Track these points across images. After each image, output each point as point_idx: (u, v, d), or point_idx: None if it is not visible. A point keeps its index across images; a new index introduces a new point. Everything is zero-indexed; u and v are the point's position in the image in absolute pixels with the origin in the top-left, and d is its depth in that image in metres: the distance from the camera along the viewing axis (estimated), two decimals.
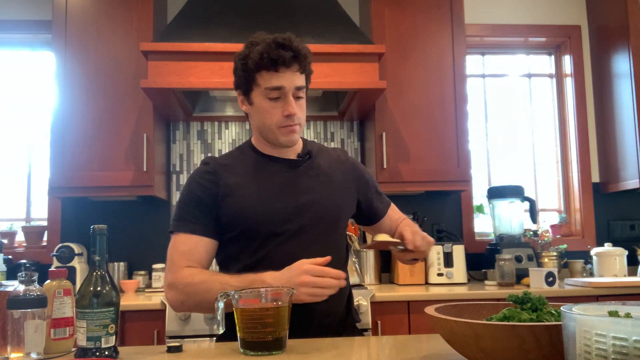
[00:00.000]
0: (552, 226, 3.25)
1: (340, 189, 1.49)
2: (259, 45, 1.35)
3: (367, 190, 1.57)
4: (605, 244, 2.93)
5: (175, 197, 3.06)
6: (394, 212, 1.63)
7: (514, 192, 2.98)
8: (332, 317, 1.44)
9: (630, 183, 3.01)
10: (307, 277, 1.19)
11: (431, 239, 1.43)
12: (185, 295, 1.32)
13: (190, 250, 1.37)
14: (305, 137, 1.58)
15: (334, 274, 1.21)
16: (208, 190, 1.40)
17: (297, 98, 1.39)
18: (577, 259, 3.05)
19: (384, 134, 2.80)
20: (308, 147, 1.52)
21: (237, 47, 2.46)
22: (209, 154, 3.12)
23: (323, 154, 1.54)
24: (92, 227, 1.09)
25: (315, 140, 3.18)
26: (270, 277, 1.23)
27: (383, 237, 1.42)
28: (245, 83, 1.40)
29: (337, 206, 1.47)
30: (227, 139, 3.15)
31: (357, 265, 2.66)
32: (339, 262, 1.44)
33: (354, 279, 2.56)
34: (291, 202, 1.41)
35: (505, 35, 3.37)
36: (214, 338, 1.56)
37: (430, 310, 0.96)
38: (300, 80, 1.38)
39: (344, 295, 1.49)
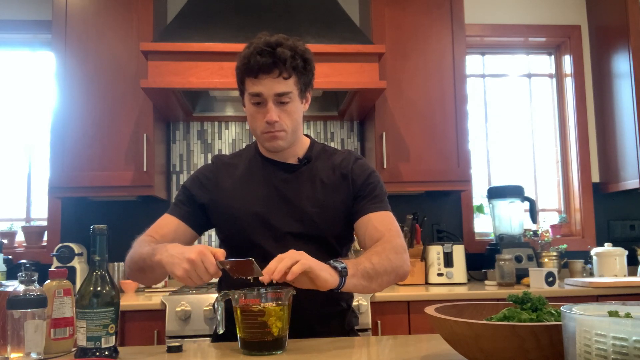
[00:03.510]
0: (552, 226, 3.25)
1: (334, 195, 1.42)
2: (248, 49, 1.36)
3: (360, 189, 1.44)
4: (605, 244, 2.93)
5: None
6: (377, 220, 1.40)
7: (514, 192, 2.98)
8: (323, 323, 1.42)
9: (630, 183, 3.01)
10: (196, 256, 1.11)
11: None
12: (129, 255, 1.37)
13: (161, 225, 1.44)
14: (314, 139, 1.55)
15: (213, 271, 1.12)
16: (202, 189, 1.46)
17: (282, 103, 1.36)
18: (577, 259, 3.05)
19: (384, 134, 2.80)
20: (311, 151, 1.49)
21: (237, 47, 2.45)
22: (210, 154, 3.12)
23: (326, 158, 1.49)
24: (92, 227, 1.09)
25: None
26: (171, 246, 1.21)
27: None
28: (239, 86, 1.43)
29: (326, 215, 1.40)
30: (227, 139, 3.15)
31: None
32: None
33: None
34: (278, 210, 1.40)
35: (505, 35, 3.37)
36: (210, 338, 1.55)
37: (430, 310, 0.96)
38: (282, 86, 1.34)
39: (340, 305, 1.47)
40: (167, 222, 1.44)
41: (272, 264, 1.11)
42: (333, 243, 1.42)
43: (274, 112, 1.35)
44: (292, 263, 1.09)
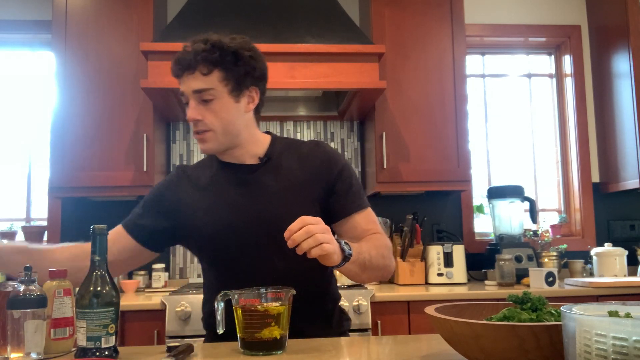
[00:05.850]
0: (552, 226, 3.25)
1: (304, 192, 1.35)
2: None
3: (335, 184, 1.37)
4: (605, 244, 2.93)
5: None
6: (363, 220, 1.37)
7: (514, 192, 2.98)
8: (309, 324, 1.36)
9: (630, 183, 3.01)
10: None
11: None
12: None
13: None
14: (275, 134, 1.47)
15: None
16: (163, 200, 1.40)
17: (205, 101, 1.31)
18: (577, 259, 3.05)
19: (384, 134, 2.80)
20: (273, 148, 1.41)
21: None
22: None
23: (292, 152, 1.41)
24: (92, 227, 1.09)
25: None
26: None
27: None
28: None
29: (298, 212, 1.23)
30: None
31: None
32: (312, 272, 1.30)
33: None
34: (246, 215, 1.33)
35: (505, 35, 3.37)
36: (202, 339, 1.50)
37: (430, 310, 0.96)
38: (199, 82, 1.30)
39: (324, 306, 1.44)
40: (115, 235, 1.37)
41: (300, 234, 1.07)
42: None
43: (194, 110, 1.31)
44: (315, 244, 1.08)
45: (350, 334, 1.53)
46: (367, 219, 1.38)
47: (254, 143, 1.39)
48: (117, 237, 1.37)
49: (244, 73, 1.33)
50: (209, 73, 1.30)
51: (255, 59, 1.35)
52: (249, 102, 1.37)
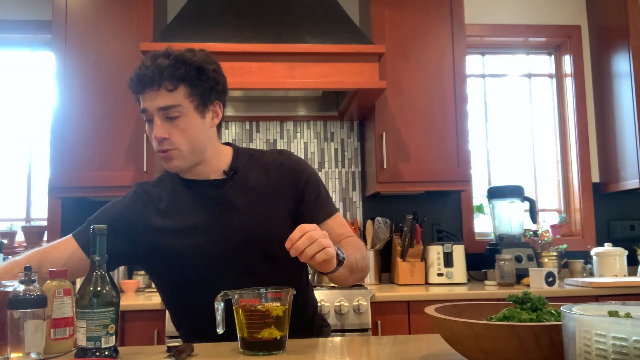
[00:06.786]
0: (552, 226, 3.25)
1: (275, 204, 1.33)
2: None
3: (304, 193, 1.35)
4: (605, 244, 2.93)
5: None
6: (335, 225, 1.36)
7: (514, 192, 2.98)
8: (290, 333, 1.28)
9: (630, 183, 3.00)
10: None
11: None
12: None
13: (57, 246, 1.34)
14: (236, 146, 1.43)
15: None
16: (125, 223, 1.33)
17: (170, 118, 1.25)
18: (577, 259, 3.05)
19: (384, 134, 2.80)
20: (237, 160, 1.37)
21: (237, 47, 2.46)
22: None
23: (256, 163, 1.38)
24: (92, 227, 1.09)
25: (315, 140, 3.18)
26: None
27: None
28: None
29: (270, 225, 1.30)
30: (226, 139, 3.14)
31: None
32: (289, 282, 1.24)
33: None
34: (217, 233, 1.29)
35: (505, 35, 3.37)
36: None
37: (430, 310, 0.96)
38: (165, 99, 1.24)
39: (303, 314, 1.41)
40: (64, 245, 1.33)
41: (302, 241, 1.08)
42: (281, 258, 1.21)
43: (160, 129, 1.25)
44: (319, 249, 1.08)
45: (350, 334, 1.54)
46: (338, 224, 1.38)
47: (217, 157, 1.35)
48: (68, 248, 1.33)
49: (209, 88, 1.29)
50: (174, 89, 1.25)
51: (218, 72, 1.33)
52: (213, 117, 1.33)
